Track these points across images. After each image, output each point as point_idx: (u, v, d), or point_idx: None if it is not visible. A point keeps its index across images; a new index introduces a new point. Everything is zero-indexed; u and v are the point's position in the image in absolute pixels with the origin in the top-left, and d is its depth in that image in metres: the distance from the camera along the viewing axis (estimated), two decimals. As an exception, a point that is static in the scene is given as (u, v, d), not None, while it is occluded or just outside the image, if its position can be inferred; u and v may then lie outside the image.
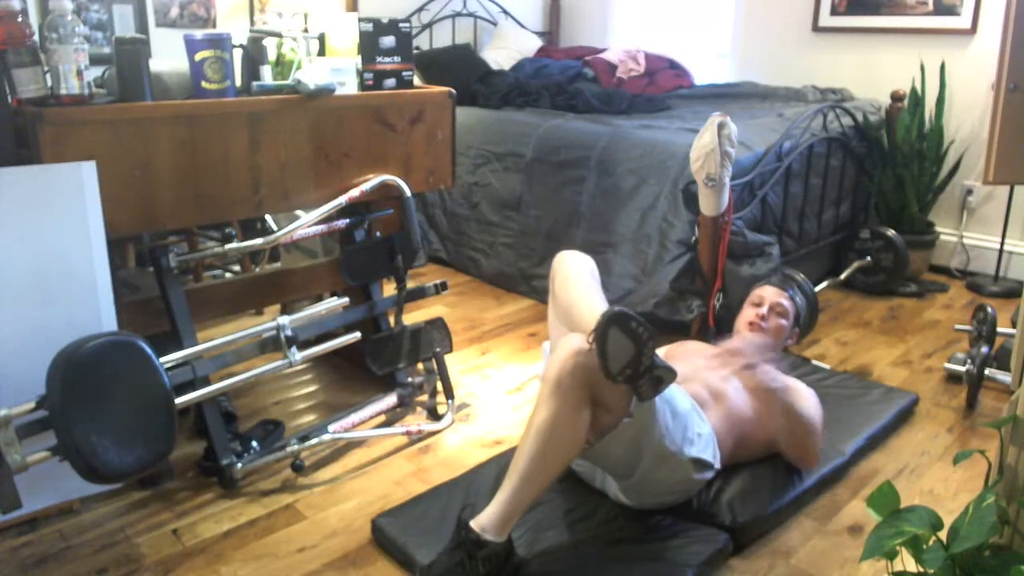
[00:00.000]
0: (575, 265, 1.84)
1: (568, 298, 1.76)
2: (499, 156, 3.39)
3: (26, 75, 1.69)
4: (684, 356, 2.17)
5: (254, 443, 2.06)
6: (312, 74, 2.10)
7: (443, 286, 2.48)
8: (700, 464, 1.76)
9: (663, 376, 1.55)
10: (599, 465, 1.76)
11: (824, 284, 3.23)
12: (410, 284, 2.39)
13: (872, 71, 3.85)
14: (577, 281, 1.77)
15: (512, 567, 1.61)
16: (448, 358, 2.49)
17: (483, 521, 1.56)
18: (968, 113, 3.61)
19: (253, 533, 1.81)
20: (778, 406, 1.89)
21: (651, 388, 1.55)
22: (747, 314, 2.22)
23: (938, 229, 3.61)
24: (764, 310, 2.19)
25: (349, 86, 2.16)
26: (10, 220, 1.67)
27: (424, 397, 2.39)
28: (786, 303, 2.21)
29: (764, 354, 2.03)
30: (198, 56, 1.90)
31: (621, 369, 1.51)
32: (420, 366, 2.46)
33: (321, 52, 2.26)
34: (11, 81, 1.69)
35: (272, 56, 2.18)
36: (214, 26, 3.56)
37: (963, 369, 2.48)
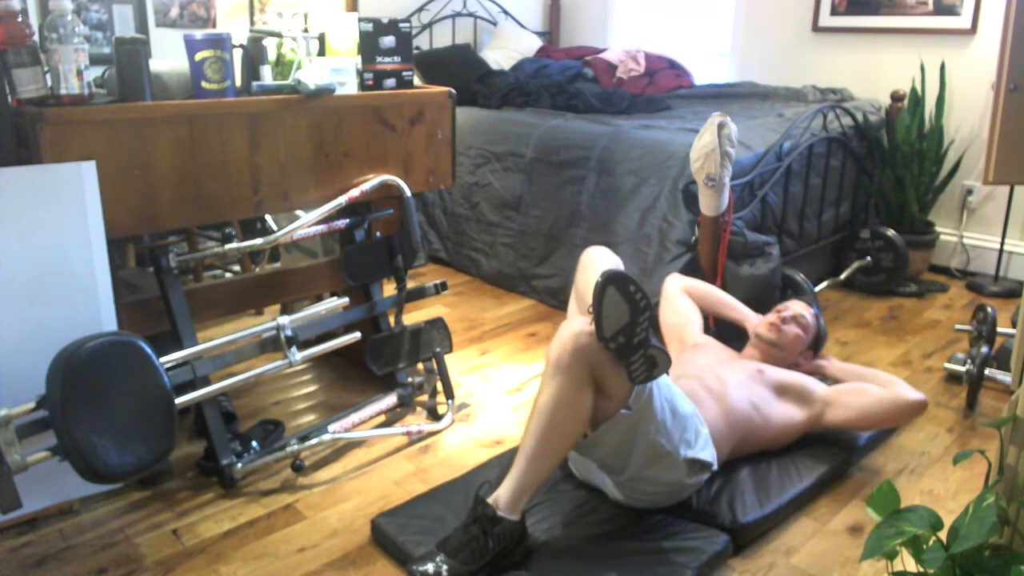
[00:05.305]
0: (599, 256, 1.89)
1: (585, 280, 1.80)
2: (499, 156, 3.39)
3: (26, 75, 1.69)
4: (692, 353, 2.18)
5: (254, 443, 2.06)
6: (312, 74, 2.10)
7: (443, 286, 2.48)
8: (696, 465, 1.76)
9: (657, 358, 1.55)
10: (591, 456, 1.76)
11: (824, 284, 3.22)
12: (410, 284, 2.39)
13: (872, 71, 3.86)
14: (599, 268, 1.78)
15: (524, 549, 1.65)
16: (448, 358, 2.49)
17: (497, 497, 1.61)
18: (968, 113, 3.61)
19: (253, 533, 1.81)
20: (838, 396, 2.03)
21: (644, 369, 1.55)
22: (769, 317, 2.24)
23: (938, 229, 3.61)
24: (787, 315, 2.20)
25: (349, 86, 2.16)
26: (10, 220, 1.67)
27: (424, 397, 2.39)
28: (809, 317, 2.22)
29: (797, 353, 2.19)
30: (198, 56, 1.90)
31: (614, 334, 1.52)
32: (420, 366, 2.46)
33: (321, 52, 2.26)
34: (11, 81, 1.69)
35: (272, 56, 2.18)
36: (214, 26, 3.56)
37: (963, 369, 2.48)
